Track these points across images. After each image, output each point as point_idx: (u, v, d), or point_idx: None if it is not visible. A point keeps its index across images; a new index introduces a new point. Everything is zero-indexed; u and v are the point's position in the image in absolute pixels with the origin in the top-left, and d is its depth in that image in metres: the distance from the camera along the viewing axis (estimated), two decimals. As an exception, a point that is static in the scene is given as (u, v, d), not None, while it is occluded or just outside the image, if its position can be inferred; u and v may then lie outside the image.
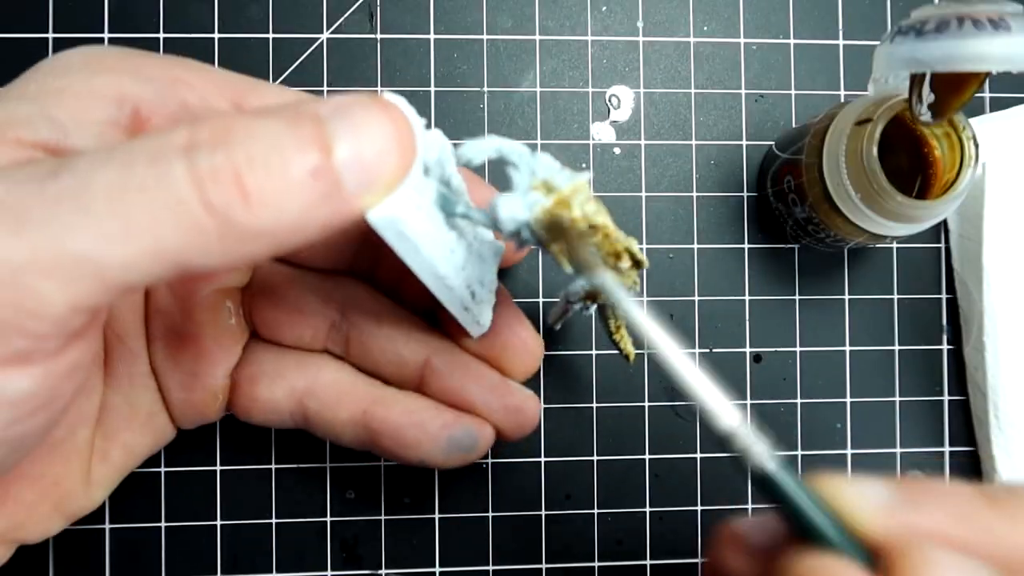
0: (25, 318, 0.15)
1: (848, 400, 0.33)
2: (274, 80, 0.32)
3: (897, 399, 0.34)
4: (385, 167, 0.17)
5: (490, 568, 0.32)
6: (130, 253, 0.15)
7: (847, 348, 0.34)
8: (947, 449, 0.34)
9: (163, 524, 0.31)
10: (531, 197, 0.20)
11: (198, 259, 0.16)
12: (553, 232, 0.20)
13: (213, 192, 0.15)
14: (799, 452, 0.33)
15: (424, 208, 0.20)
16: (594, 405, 0.33)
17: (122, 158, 0.16)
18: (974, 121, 0.31)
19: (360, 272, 0.27)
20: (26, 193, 0.15)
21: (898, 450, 0.34)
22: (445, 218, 0.21)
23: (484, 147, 0.21)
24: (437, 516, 0.32)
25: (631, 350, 0.26)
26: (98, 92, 0.20)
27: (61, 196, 0.15)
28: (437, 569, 0.32)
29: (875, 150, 0.26)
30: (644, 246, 0.33)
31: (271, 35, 0.32)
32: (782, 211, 0.32)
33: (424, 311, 0.27)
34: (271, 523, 0.32)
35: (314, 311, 0.26)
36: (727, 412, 0.17)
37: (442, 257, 0.21)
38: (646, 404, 0.33)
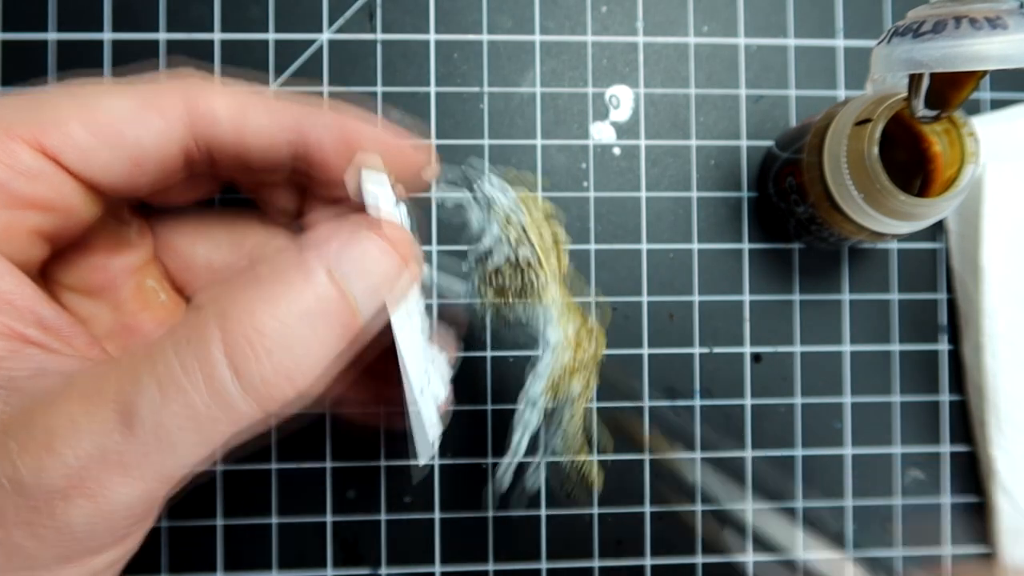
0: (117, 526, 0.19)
1: (847, 400, 0.33)
2: (275, 80, 0.32)
3: (896, 399, 0.34)
4: (399, 294, 0.20)
5: (490, 568, 0.32)
6: (205, 457, 0.19)
7: (846, 348, 0.34)
8: (946, 449, 0.34)
9: (164, 523, 0.31)
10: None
11: (252, 432, 0.19)
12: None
13: (270, 401, 0.18)
14: (799, 452, 0.33)
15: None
16: (594, 405, 0.33)
17: (179, 395, 0.18)
18: (974, 121, 0.31)
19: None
20: (117, 447, 0.18)
21: (897, 449, 0.34)
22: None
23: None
24: (437, 516, 0.32)
25: (594, 477, 0.26)
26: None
27: (147, 445, 0.18)
28: (437, 569, 0.32)
29: (876, 150, 0.26)
30: (644, 246, 0.33)
31: (271, 35, 0.32)
32: (784, 210, 0.32)
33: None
34: (271, 523, 0.32)
35: (227, 262, 0.26)
36: None
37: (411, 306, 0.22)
38: (646, 404, 0.33)
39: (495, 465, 0.32)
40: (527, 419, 0.24)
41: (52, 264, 0.24)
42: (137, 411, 0.17)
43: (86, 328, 0.23)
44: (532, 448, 0.25)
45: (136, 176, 0.22)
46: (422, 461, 0.24)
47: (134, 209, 0.25)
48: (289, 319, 0.18)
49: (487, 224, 0.21)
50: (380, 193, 0.21)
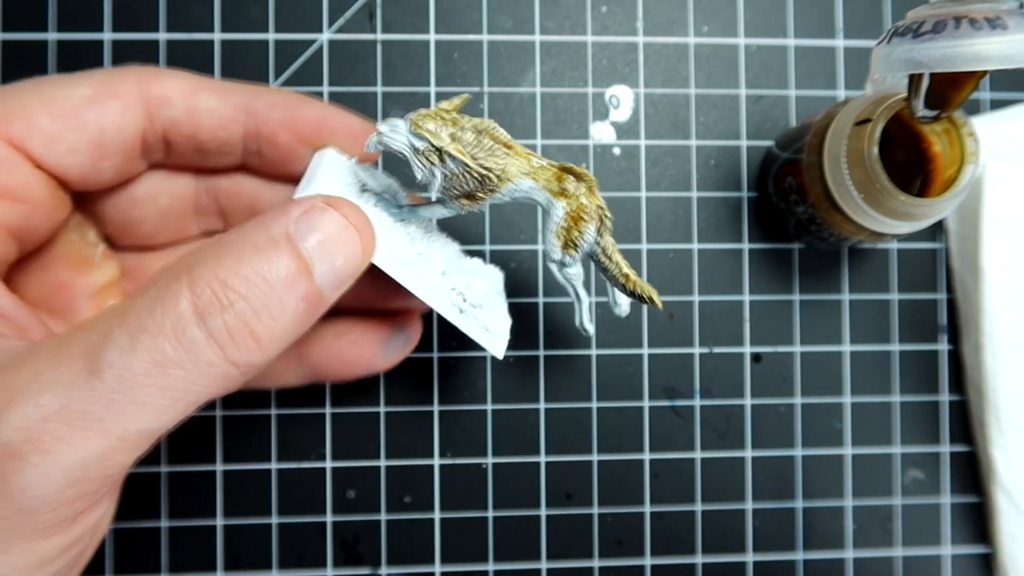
0: (95, 484, 0.19)
1: (847, 400, 0.33)
2: (275, 80, 0.32)
3: (896, 399, 0.34)
4: (354, 267, 0.21)
5: (490, 568, 0.32)
6: (176, 415, 0.19)
7: (846, 348, 0.34)
8: (946, 449, 0.34)
9: (164, 523, 0.31)
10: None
11: (221, 393, 0.20)
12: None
13: (234, 351, 0.19)
14: (799, 452, 0.33)
15: (373, 219, 0.23)
16: (594, 405, 0.33)
17: (146, 341, 0.18)
18: (974, 121, 0.31)
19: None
20: (82, 397, 0.18)
21: (897, 449, 0.34)
22: (394, 219, 0.25)
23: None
24: (437, 516, 0.32)
25: (653, 293, 0.26)
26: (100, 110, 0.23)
27: (113, 393, 0.18)
28: (437, 569, 0.32)
29: (876, 150, 0.26)
30: (644, 246, 0.33)
31: (271, 35, 0.32)
32: (784, 210, 0.32)
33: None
34: (271, 523, 0.32)
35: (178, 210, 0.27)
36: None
37: (399, 246, 0.24)
38: (646, 404, 0.33)
39: (495, 465, 0.32)
40: (566, 276, 0.26)
41: (15, 276, 0.24)
42: (105, 358, 0.18)
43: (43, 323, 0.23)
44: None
45: (99, 160, 0.23)
46: (499, 355, 0.26)
47: (99, 236, 0.26)
48: (251, 275, 0.19)
49: (416, 167, 0.23)
50: (332, 174, 0.23)
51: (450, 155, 0.22)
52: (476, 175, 0.23)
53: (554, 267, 0.25)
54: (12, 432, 0.17)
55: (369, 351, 0.28)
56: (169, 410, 0.19)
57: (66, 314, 0.25)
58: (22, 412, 0.17)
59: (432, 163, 0.23)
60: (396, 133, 0.23)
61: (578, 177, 0.24)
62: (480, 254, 0.32)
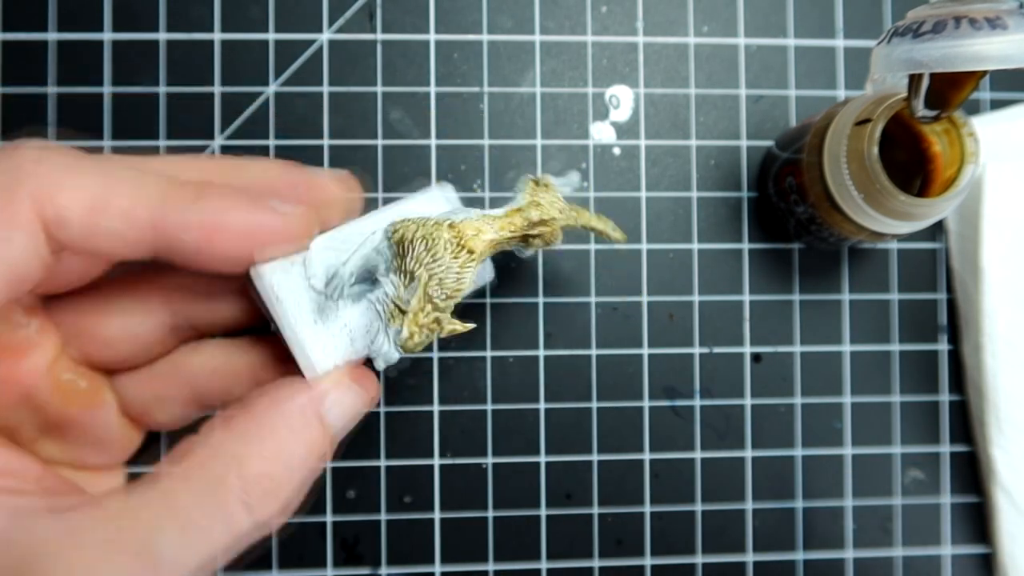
0: None
1: (847, 400, 0.33)
2: (274, 80, 0.32)
3: (896, 399, 0.34)
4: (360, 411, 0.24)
5: (490, 568, 0.32)
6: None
7: (846, 348, 0.34)
8: (946, 449, 0.34)
9: (163, 523, 0.31)
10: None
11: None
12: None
13: (272, 525, 0.21)
14: (799, 452, 0.33)
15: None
16: (594, 405, 0.33)
17: (199, 538, 0.20)
18: (974, 121, 0.31)
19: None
20: (132, 518, 0.20)
21: (897, 450, 0.34)
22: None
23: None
24: (437, 516, 0.32)
25: (614, 233, 0.27)
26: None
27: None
28: (437, 569, 0.32)
29: (876, 150, 0.26)
30: (644, 246, 0.33)
31: (271, 35, 0.32)
32: (784, 210, 0.32)
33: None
34: (271, 522, 0.32)
35: (146, 327, 0.26)
36: None
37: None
38: (646, 404, 0.33)
39: (495, 465, 0.32)
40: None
41: None
42: (160, 555, 0.19)
43: (32, 456, 0.23)
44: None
45: (21, 288, 0.21)
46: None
47: (30, 310, 0.24)
48: (293, 462, 0.21)
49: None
50: (282, 287, 0.22)
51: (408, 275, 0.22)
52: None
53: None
54: None
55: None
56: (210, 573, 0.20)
57: (26, 401, 0.24)
58: None
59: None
60: (392, 360, 0.23)
61: (539, 225, 0.25)
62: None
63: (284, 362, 0.25)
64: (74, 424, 0.25)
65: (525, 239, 0.25)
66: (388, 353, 0.23)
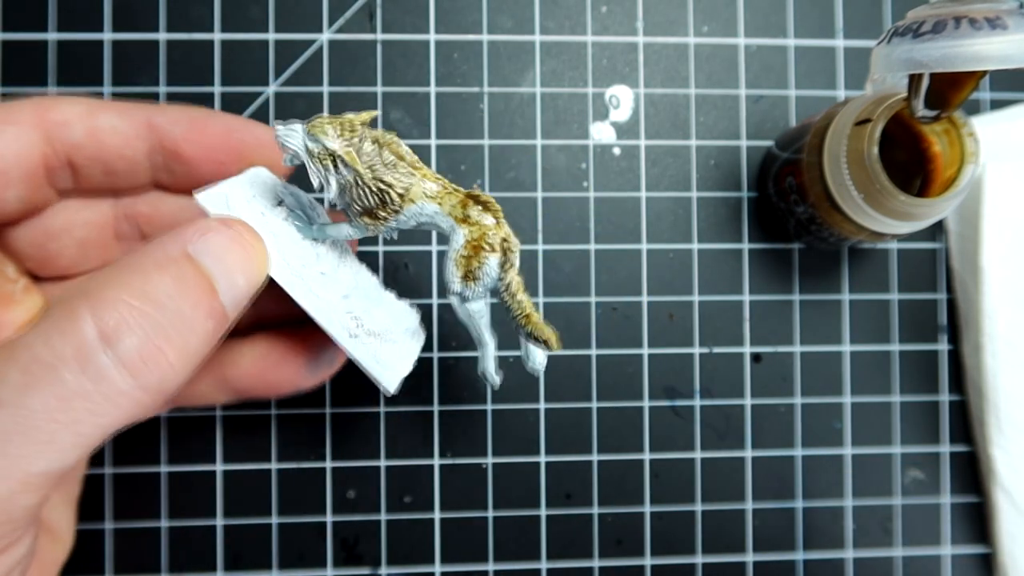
0: None
1: (847, 400, 0.33)
2: (275, 80, 0.32)
3: (896, 399, 0.34)
4: (252, 284, 0.21)
5: (490, 568, 0.32)
6: (82, 450, 0.17)
7: (846, 348, 0.34)
8: (946, 449, 0.34)
9: (164, 523, 0.31)
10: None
11: (128, 423, 0.18)
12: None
13: (147, 375, 0.18)
14: (799, 452, 0.33)
15: (279, 234, 0.23)
16: (594, 405, 0.33)
17: (46, 373, 0.17)
18: (974, 121, 0.32)
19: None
20: None
21: (897, 449, 0.34)
22: (303, 236, 0.24)
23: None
24: (437, 516, 0.32)
25: (552, 337, 0.25)
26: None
27: (9, 434, 0.16)
28: (437, 569, 0.32)
29: (876, 150, 0.26)
30: (644, 246, 0.33)
31: (271, 35, 0.32)
32: (784, 210, 0.32)
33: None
34: (271, 523, 0.32)
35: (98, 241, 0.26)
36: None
37: (302, 261, 0.24)
38: (646, 404, 0.33)
39: (495, 465, 0.32)
40: (468, 312, 0.24)
41: None
42: None
43: None
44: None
45: (1, 190, 0.22)
46: (390, 390, 0.25)
47: (22, 271, 0.25)
48: (158, 293, 0.18)
49: (311, 171, 0.23)
50: (241, 185, 0.23)
51: (343, 161, 0.22)
52: (375, 189, 0.22)
53: (455, 300, 0.24)
54: None
55: (292, 372, 0.27)
56: (74, 446, 0.17)
57: None
58: None
59: (326, 168, 0.22)
60: (292, 134, 0.22)
61: (484, 205, 0.23)
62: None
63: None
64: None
65: (464, 206, 0.23)
66: (291, 123, 0.22)
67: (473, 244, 0.23)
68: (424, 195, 0.23)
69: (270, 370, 0.27)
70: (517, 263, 0.23)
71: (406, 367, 0.26)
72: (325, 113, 0.23)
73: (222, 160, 0.24)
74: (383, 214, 0.23)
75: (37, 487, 0.17)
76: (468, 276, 0.23)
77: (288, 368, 0.27)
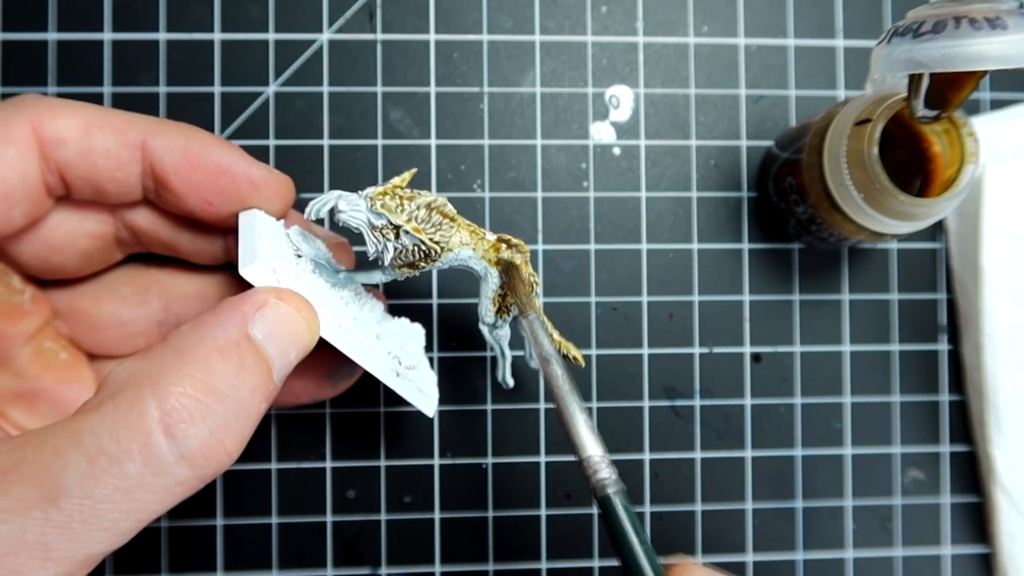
0: None
1: (847, 400, 0.33)
2: (275, 80, 0.32)
3: (896, 399, 0.34)
4: (302, 356, 0.21)
5: (490, 568, 0.32)
6: (136, 532, 0.18)
7: (846, 348, 0.34)
8: (946, 449, 0.34)
9: (164, 524, 0.31)
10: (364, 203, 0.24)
11: (176, 503, 0.19)
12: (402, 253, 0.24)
13: (206, 468, 0.18)
14: (799, 452, 0.33)
15: (314, 287, 0.24)
16: (594, 405, 0.33)
17: (111, 465, 0.17)
18: (974, 121, 0.31)
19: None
20: (38, 528, 0.17)
21: (896, 449, 0.34)
22: (331, 285, 0.25)
23: (323, 201, 0.24)
24: (437, 516, 0.32)
25: (578, 353, 0.28)
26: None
27: (71, 522, 0.17)
28: (437, 569, 0.32)
29: (876, 150, 0.26)
30: (644, 246, 0.33)
31: (271, 35, 0.32)
32: (784, 210, 0.32)
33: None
34: (271, 523, 0.32)
35: (135, 315, 0.26)
36: (591, 443, 0.23)
37: (338, 313, 0.24)
38: (646, 404, 0.33)
39: (495, 465, 0.32)
40: (496, 337, 0.27)
41: None
42: (63, 486, 0.17)
43: None
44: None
45: (8, 209, 0.22)
46: (431, 414, 0.28)
47: (27, 278, 0.25)
48: (219, 385, 0.19)
49: (371, 242, 0.24)
50: (270, 244, 0.23)
51: (406, 232, 0.23)
52: (424, 249, 0.24)
53: (485, 329, 0.27)
54: None
55: (314, 384, 0.27)
56: (131, 531, 0.18)
57: (4, 363, 0.24)
58: None
59: (387, 239, 0.24)
60: (356, 211, 0.23)
61: (514, 247, 0.25)
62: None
63: None
64: (47, 395, 0.25)
65: (496, 250, 0.25)
66: (353, 201, 0.23)
67: (508, 284, 0.25)
68: (461, 243, 0.25)
69: (293, 383, 0.27)
70: (540, 292, 0.27)
71: (435, 388, 0.28)
72: (378, 185, 0.24)
73: (211, 200, 0.24)
74: (423, 264, 0.25)
75: (91, 566, 0.18)
76: (502, 310, 0.26)
77: (310, 381, 0.27)
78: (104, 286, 0.26)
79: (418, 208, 0.24)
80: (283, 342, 0.21)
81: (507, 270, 0.25)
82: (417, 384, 0.27)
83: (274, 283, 0.22)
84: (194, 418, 0.18)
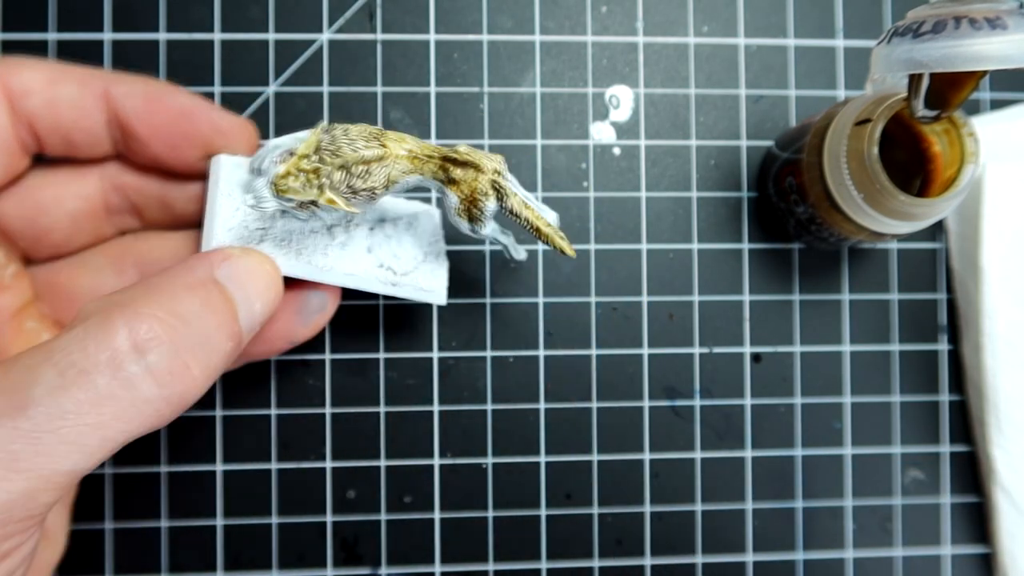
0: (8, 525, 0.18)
1: (847, 400, 0.33)
2: (275, 80, 0.32)
3: (896, 399, 0.34)
4: (268, 311, 0.23)
5: (490, 568, 0.32)
6: (104, 454, 0.18)
7: (846, 348, 0.34)
8: (946, 449, 0.34)
9: (164, 523, 0.31)
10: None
11: (144, 432, 0.19)
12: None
13: (172, 386, 0.19)
14: (799, 452, 0.33)
15: (291, 232, 0.25)
16: (594, 405, 0.33)
17: (80, 377, 0.18)
18: (974, 121, 0.31)
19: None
20: (6, 436, 0.17)
21: (897, 450, 0.34)
22: (303, 221, 0.25)
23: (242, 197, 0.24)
24: (437, 516, 0.32)
25: (565, 245, 0.27)
26: None
27: (39, 431, 0.17)
28: (437, 569, 0.32)
29: (876, 150, 0.26)
30: (644, 246, 0.33)
31: (271, 35, 0.32)
32: (784, 210, 0.32)
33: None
34: (271, 523, 0.32)
35: (112, 285, 0.27)
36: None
37: (317, 247, 0.25)
38: (646, 404, 0.33)
39: (495, 465, 0.32)
40: (482, 236, 0.26)
41: None
42: (32, 396, 0.17)
43: None
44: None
45: None
46: (442, 302, 0.28)
47: (11, 254, 0.26)
48: (187, 312, 0.20)
49: (297, 218, 0.24)
50: (234, 191, 0.24)
51: (320, 169, 0.22)
52: (361, 198, 0.23)
53: (469, 234, 0.26)
54: None
55: (285, 324, 0.27)
56: (98, 450, 0.18)
57: None
58: None
59: (312, 209, 0.23)
60: (264, 202, 0.23)
61: (462, 165, 0.24)
62: (476, 253, 0.32)
63: None
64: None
65: (445, 170, 0.24)
66: (259, 190, 0.23)
67: (467, 199, 0.25)
68: (402, 173, 0.24)
69: (265, 329, 0.27)
70: (513, 188, 0.25)
71: (444, 274, 0.28)
72: (275, 149, 0.23)
73: (176, 144, 0.25)
74: (374, 198, 0.24)
75: (57, 486, 0.18)
76: (474, 219, 0.25)
77: (279, 321, 0.27)
78: (79, 260, 0.27)
79: (329, 174, 0.22)
80: (247, 289, 0.22)
81: (466, 186, 0.24)
82: (417, 284, 0.27)
83: (243, 232, 0.24)
84: (161, 338, 0.19)
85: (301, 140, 0.23)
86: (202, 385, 0.20)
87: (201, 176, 0.26)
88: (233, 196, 0.24)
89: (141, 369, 0.18)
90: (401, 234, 0.28)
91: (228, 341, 0.21)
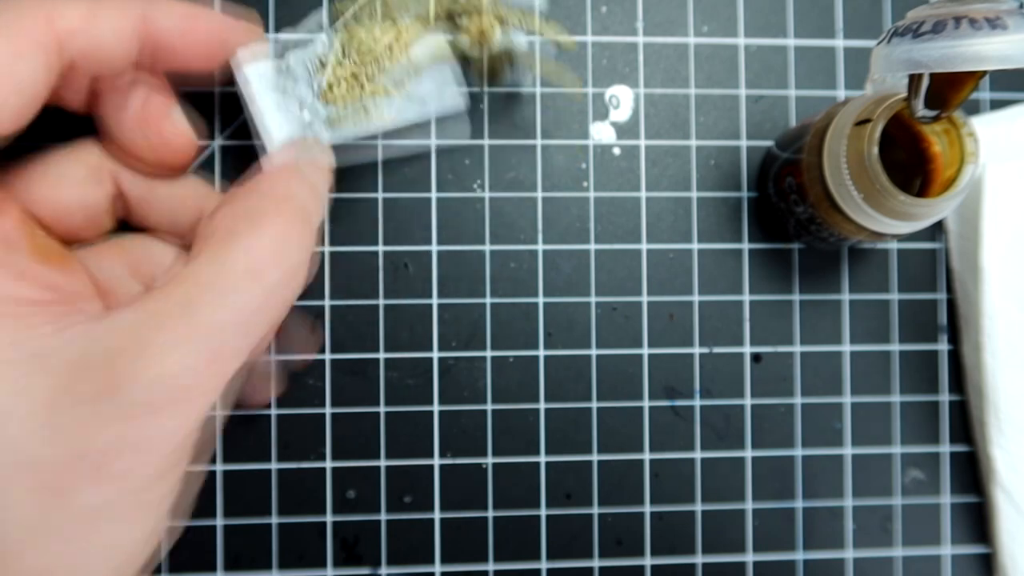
0: None
1: (847, 400, 0.33)
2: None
3: (896, 399, 0.34)
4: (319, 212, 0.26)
5: (490, 568, 0.32)
6: (240, 321, 0.22)
7: (846, 348, 0.34)
8: (946, 449, 0.34)
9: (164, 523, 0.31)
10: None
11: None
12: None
13: (284, 267, 0.23)
14: (799, 452, 0.33)
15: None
16: (594, 405, 0.33)
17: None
18: (974, 121, 0.31)
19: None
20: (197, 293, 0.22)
21: (897, 450, 0.34)
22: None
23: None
24: (437, 516, 0.32)
25: (563, 38, 0.29)
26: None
27: (193, 300, 0.22)
28: (437, 569, 0.32)
29: (876, 151, 0.26)
30: (644, 246, 0.33)
31: (271, 35, 0.32)
32: (784, 210, 0.32)
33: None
34: (271, 523, 0.32)
35: (100, 203, 0.27)
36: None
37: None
38: (646, 404, 0.33)
39: (495, 465, 0.32)
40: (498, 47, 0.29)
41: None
42: (222, 328, 0.21)
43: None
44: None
45: (30, 109, 0.22)
46: (461, 107, 0.30)
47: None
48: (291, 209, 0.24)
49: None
50: (256, 81, 0.27)
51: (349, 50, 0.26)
52: (396, 76, 0.26)
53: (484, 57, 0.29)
54: (155, 385, 0.19)
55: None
56: (245, 309, 0.22)
57: (5, 245, 0.24)
58: (161, 364, 0.20)
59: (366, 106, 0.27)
60: (318, 124, 0.27)
61: (463, 14, 0.27)
62: (479, 254, 0.32)
63: None
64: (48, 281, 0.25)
65: (452, 20, 0.27)
66: (313, 104, 0.25)
67: (476, 40, 0.27)
68: (418, 39, 0.26)
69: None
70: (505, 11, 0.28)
71: (453, 90, 0.29)
72: (296, 49, 0.27)
73: (211, 55, 0.26)
74: (403, 69, 0.26)
75: (215, 333, 0.21)
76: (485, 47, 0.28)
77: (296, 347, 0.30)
78: (54, 172, 0.26)
79: (366, 68, 0.25)
80: (320, 170, 0.26)
81: (473, 27, 0.27)
82: (443, 100, 0.29)
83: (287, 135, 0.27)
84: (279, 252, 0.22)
85: (320, 41, 0.25)
86: (301, 279, 0.24)
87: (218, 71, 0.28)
88: (267, 96, 0.27)
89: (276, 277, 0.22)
90: (416, 75, 0.29)
91: (311, 235, 0.24)
